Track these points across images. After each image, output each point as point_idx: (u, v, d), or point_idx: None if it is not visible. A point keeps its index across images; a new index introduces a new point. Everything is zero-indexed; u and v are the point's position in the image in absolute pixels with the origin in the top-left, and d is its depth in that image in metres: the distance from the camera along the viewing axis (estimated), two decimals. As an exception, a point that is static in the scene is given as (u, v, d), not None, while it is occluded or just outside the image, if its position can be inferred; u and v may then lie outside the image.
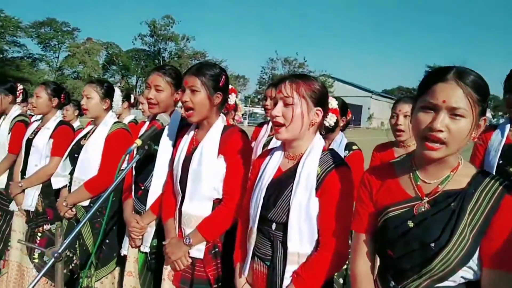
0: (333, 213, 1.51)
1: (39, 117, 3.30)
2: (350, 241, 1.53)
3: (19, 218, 3.17)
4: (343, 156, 2.31)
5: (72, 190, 2.68)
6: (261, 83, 50.95)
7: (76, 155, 2.70)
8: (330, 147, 2.51)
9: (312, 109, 1.60)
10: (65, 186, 2.79)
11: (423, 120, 1.17)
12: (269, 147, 2.75)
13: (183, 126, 2.23)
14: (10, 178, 3.31)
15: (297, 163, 1.61)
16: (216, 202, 1.98)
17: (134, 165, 2.02)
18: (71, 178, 2.72)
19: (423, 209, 1.23)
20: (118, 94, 2.98)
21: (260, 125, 3.37)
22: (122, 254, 2.38)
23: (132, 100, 4.54)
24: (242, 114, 3.90)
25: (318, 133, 1.67)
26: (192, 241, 1.93)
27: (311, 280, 1.51)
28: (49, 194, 2.99)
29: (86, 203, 2.64)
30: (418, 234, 1.20)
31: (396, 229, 1.25)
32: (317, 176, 1.54)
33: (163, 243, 2.06)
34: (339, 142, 2.70)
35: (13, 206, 3.15)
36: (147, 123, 2.48)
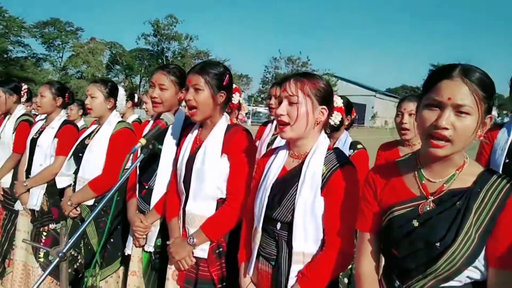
0: (338, 212, 1.50)
1: (43, 116, 3.31)
2: (355, 241, 1.53)
3: (24, 217, 3.18)
4: (347, 155, 2.30)
5: (76, 190, 2.69)
6: (265, 82, 50.96)
7: (80, 155, 2.71)
8: (335, 146, 2.50)
9: (317, 107, 1.59)
10: (69, 186, 2.80)
11: (428, 118, 1.16)
12: (274, 146, 2.75)
13: (187, 125, 2.23)
14: (14, 177, 3.33)
15: (302, 162, 1.60)
16: (220, 202, 1.97)
17: (138, 164, 2.01)
18: (75, 178, 2.72)
19: (428, 208, 1.22)
20: (122, 94, 2.99)
21: (265, 124, 3.36)
22: (126, 254, 2.39)
23: (136, 100, 4.55)
24: (246, 113, 3.89)
25: (323, 132, 1.67)
26: (196, 241, 1.92)
27: (316, 279, 1.50)
28: (54, 193, 2.99)
29: (90, 202, 2.64)
30: (423, 234, 1.19)
31: (400, 228, 1.24)
32: (323, 175, 1.54)
33: (167, 242, 2.06)
34: (343, 141, 2.69)
35: (18, 206, 3.16)
36: (151, 122, 2.48)
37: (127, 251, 2.36)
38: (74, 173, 2.76)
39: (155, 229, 2.23)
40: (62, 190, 2.86)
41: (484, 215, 1.14)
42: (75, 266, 2.66)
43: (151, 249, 2.23)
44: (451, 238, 1.14)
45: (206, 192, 1.95)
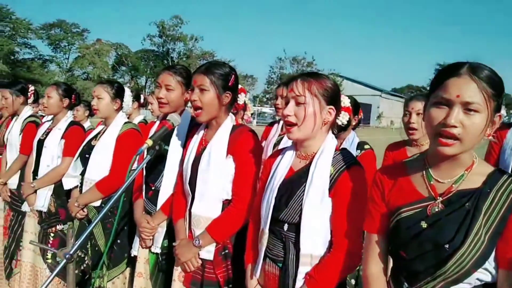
0: (346, 213, 1.49)
1: (50, 117, 3.33)
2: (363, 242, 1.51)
3: (31, 218, 3.19)
4: (355, 156, 2.28)
5: (83, 191, 2.70)
6: (270, 82, 50.86)
7: (87, 156, 2.72)
8: (342, 146, 2.49)
9: (325, 107, 1.57)
10: (76, 187, 2.80)
11: (436, 116, 1.15)
12: (280, 146, 2.74)
13: (193, 126, 2.23)
14: (21, 179, 3.34)
15: (310, 163, 1.59)
16: (226, 203, 1.96)
17: (144, 165, 2.01)
18: (82, 179, 2.73)
19: (436, 210, 1.20)
20: (128, 95, 2.99)
21: (271, 124, 3.35)
22: (132, 255, 2.39)
23: (141, 100, 4.56)
24: (251, 114, 3.88)
25: (330, 132, 1.65)
26: (202, 243, 1.91)
27: (324, 281, 1.49)
28: (61, 194, 3.01)
29: (97, 203, 2.65)
30: (431, 235, 1.17)
31: (408, 230, 1.22)
32: (330, 176, 1.52)
33: (173, 244, 2.05)
34: (351, 141, 2.67)
35: (25, 207, 3.17)
36: (157, 123, 2.48)
37: (134, 252, 2.36)
38: (80, 174, 2.77)
39: (161, 230, 2.22)
40: (69, 191, 2.87)
41: (494, 216, 1.12)
42: (82, 267, 2.66)
43: (158, 250, 2.23)
44: (460, 239, 1.12)
45: (211, 193, 1.94)
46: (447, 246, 1.13)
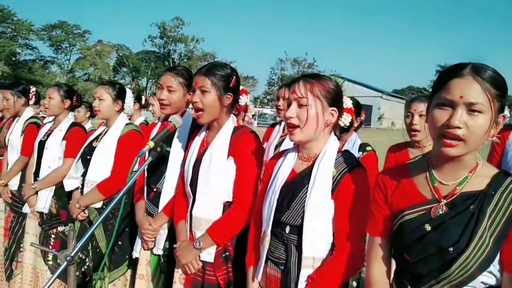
0: (349, 215, 1.48)
1: (51, 118, 3.32)
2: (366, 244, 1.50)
3: (32, 220, 3.18)
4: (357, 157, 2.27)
5: (84, 192, 2.69)
6: (271, 83, 50.85)
7: (88, 157, 2.72)
8: (344, 148, 2.48)
9: (327, 109, 1.56)
10: (77, 188, 2.80)
11: (440, 118, 1.13)
12: (282, 148, 2.73)
13: (195, 127, 2.22)
14: (22, 180, 3.34)
15: (312, 165, 1.58)
16: (227, 205, 1.95)
17: (146, 167, 2.00)
18: (83, 180, 2.73)
19: (440, 212, 1.19)
20: (130, 96, 2.98)
21: (272, 125, 3.35)
22: (134, 257, 2.38)
23: (143, 102, 4.56)
24: (252, 115, 3.87)
25: (332, 134, 1.64)
26: (202, 245, 1.91)
27: (327, 284, 1.48)
28: (62, 195, 3.00)
29: (98, 205, 2.64)
30: (435, 238, 1.16)
31: (412, 233, 1.21)
32: (333, 178, 1.51)
33: (174, 246, 2.04)
34: (353, 142, 2.66)
35: (26, 209, 3.17)
36: (159, 124, 2.48)
37: (135, 254, 2.35)
38: (82, 175, 2.76)
39: (163, 232, 2.22)
40: (71, 192, 2.86)
41: (498, 219, 1.11)
42: (83, 269, 2.66)
43: (160, 252, 2.22)
44: (464, 242, 1.11)
45: (212, 195, 1.94)
46: (451, 249, 1.12)
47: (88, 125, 4.22)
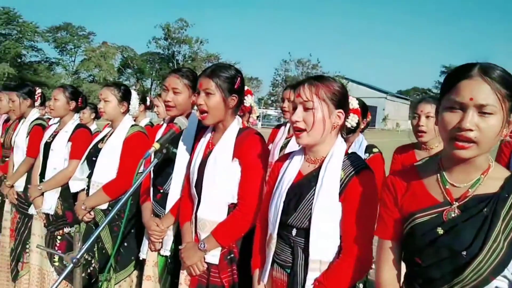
0: (357, 218, 1.46)
1: (56, 120, 3.33)
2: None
3: (38, 221, 3.19)
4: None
5: (90, 194, 2.69)
6: (275, 85, 50.82)
7: (94, 159, 2.72)
8: (350, 149, 2.47)
9: (333, 112, 1.55)
10: (83, 190, 2.80)
11: (450, 121, 1.12)
12: (287, 149, 2.72)
13: (200, 129, 2.21)
14: (28, 181, 3.35)
15: (319, 167, 1.57)
16: (232, 207, 1.94)
17: (152, 168, 2.00)
18: (89, 182, 2.73)
19: (453, 215, 1.17)
20: (135, 97, 2.99)
21: (277, 127, 3.34)
22: (140, 258, 2.38)
23: (147, 103, 4.56)
24: (257, 117, 3.86)
25: (339, 136, 1.63)
26: (207, 246, 1.90)
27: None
28: (68, 197, 3.00)
29: (104, 206, 2.64)
30: (448, 242, 1.14)
31: (424, 236, 1.19)
32: (341, 180, 1.50)
33: (179, 247, 2.04)
34: (359, 144, 2.65)
35: (32, 210, 3.18)
36: (164, 125, 2.47)
37: (142, 255, 2.35)
38: (87, 177, 2.76)
39: (171, 233, 2.21)
40: (76, 193, 2.87)
41: None
42: (89, 271, 2.66)
43: (167, 253, 2.22)
44: (478, 246, 1.09)
45: (217, 197, 1.93)
46: (464, 253, 1.11)
47: (93, 127, 4.23)
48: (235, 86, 1.97)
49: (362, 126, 2.71)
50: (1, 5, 41.09)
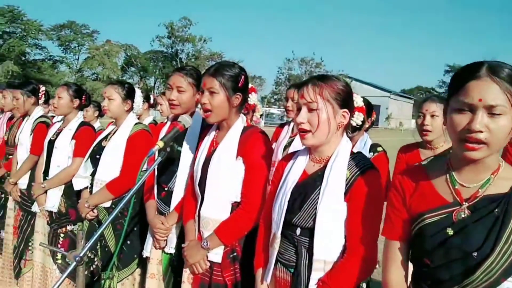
0: (362, 218, 1.45)
1: (60, 118, 3.34)
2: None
3: (41, 219, 3.19)
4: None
5: (93, 191, 2.69)
6: (278, 83, 50.75)
7: (97, 156, 2.71)
8: (355, 148, 2.45)
9: (338, 111, 1.53)
10: (86, 187, 2.80)
11: (460, 122, 1.10)
12: (291, 148, 2.71)
13: (205, 127, 2.21)
14: (32, 179, 3.35)
15: (324, 166, 1.55)
16: (235, 205, 1.94)
17: (156, 166, 2.00)
18: (92, 179, 2.73)
19: (463, 216, 1.15)
20: (139, 95, 2.98)
21: (281, 125, 3.32)
22: (144, 256, 2.37)
23: (151, 101, 4.57)
24: (260, 115, 3.85)
25: (345, 135, 1.61)
26: (210, 245, 1.89)
27: None
28: (72, 195, 3.00)
29: (107, 204, 2.64)
30: (458, 243, 1.12)
31: (433, 237, 1.17)
32: (346, 180, 1.48)
33: (182, 245, 2.03)
34: (363, 143, 2.63)
35: (35, 208, 3.18)
36: (168, 123, 2.47)
37: (146, 253, 2.34)
38: (91, 175, 2.76)
39: (175, 231, 2.20)
40: (80, 191, 2.86)
41: None
42: (92, 268, 2.66)
43: (172, 251, 2.21)
44: (489, 247, 1.08)
45: (220, 195, 1.92)
46: (475, 254, 1.09)
47: (97, 124, 4.23)
48: (239, 85, 1.96)
49: (367, 125, 2.69)
50: (5, 3, 41.28)
